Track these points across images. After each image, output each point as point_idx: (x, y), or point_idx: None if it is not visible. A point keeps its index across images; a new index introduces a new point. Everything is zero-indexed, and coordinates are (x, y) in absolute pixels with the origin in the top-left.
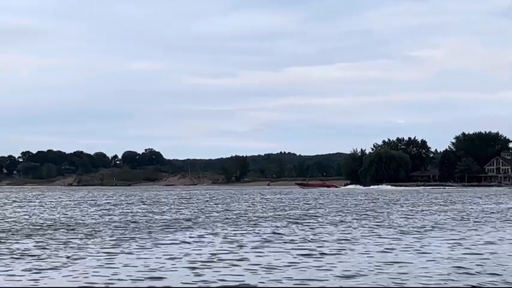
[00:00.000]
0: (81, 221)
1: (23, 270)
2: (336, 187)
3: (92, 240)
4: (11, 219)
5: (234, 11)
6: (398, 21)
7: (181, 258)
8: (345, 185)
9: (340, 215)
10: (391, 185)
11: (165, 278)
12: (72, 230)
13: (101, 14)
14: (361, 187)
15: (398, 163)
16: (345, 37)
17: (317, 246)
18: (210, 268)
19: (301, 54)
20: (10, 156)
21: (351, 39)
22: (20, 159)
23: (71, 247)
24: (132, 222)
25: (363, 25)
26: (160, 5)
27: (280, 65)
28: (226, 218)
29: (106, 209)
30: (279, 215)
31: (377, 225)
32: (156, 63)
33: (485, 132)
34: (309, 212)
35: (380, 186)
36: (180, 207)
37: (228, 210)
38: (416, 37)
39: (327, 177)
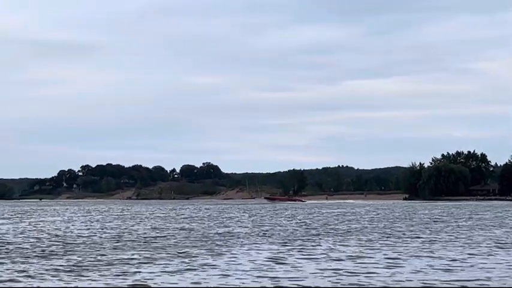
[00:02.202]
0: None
1: None
2: (302, 201)
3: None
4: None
5: (293, 25)
6: (457, 34)
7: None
8: (404, 199)
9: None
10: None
11: None
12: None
13: (160, 28)
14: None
15: (458, 177)
16: (402, 51)
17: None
18: None
19: (359, 68)
20: (70, 170)
21: (408, 53)
22: (80, 173)
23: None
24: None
25: (421, 39)
26: (220, 19)
27: (338, 79)
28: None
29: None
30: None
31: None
32: (214, 77)
33: None
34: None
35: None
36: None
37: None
38: (475, 50)
39: (385, 191)
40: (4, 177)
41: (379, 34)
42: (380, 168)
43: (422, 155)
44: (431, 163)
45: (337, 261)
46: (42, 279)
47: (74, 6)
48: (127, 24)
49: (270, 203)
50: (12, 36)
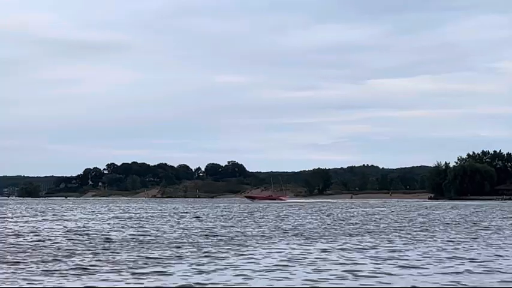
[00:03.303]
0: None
1: None
2: (281, 200)
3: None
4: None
5: (317, 25)
6: (482, 33)
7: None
8: (429, 198)
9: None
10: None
11: None
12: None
13: (182, 28)
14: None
15: (483, 176)
16: (427, 50)
17: None
18: None
19: (384, 67)
20: (95, 168)
21: (433, 52)
22: (105, 171)
23: None
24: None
25: (446, 38)
26: (245, 19)
27: (363, 78)
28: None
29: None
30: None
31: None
32: (239, 77)
33: None
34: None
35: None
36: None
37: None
38: (499, 49)
39: (410, 190)
40: (30, 175)
41: (404, 33)
42: (405, 168)
43: (447, 154)
44: (456, 162)
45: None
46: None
47: (95, 6)
48: (148, 24)
49: (251, 202)
50: (34, 36)
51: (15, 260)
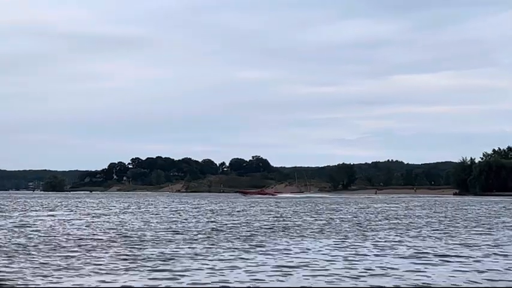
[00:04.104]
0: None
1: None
2: (273, 195)
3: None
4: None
5: (341, 20)
6: (504, 29)
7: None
8: (454, 194)
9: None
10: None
11: None
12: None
13: (208, 23)
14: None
15: (509, 172)
16: (451, 45)
17: None
18: None
19: (407, 63)
20: (120, 163)
21: (457, 48)
22: (130, 166)
23: None
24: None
25: (470, 33)
26: (267, 15)
27: (386, 73)
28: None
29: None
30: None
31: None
32: (263, 72)
33: None
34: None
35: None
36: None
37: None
38: None
39: (435, 186)
40: (55, 169)
41: (428, 29)
42: (430, 163)
43: (473, 150)
44: (482, 158)
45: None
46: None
47: (119, 1)
48: (175, 19)
49: (244, 196)
50: (60, 30)
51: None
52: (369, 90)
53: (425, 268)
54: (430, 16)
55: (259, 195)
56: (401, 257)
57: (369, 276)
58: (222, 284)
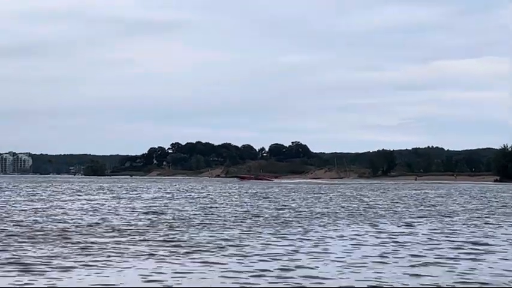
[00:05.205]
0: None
1: None
2: (268, 180)
3: None
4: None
5: (382, 5)
6: None
7: None
8: (494, 181)
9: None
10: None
11: None
12: None
13: (251, 8)
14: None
15: None
16: (494, 30)
17: None
18: None
19: (450, 47)
20: (160, 148)
21: (500, 33)
22: (170, 151)
23: None
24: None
25: None
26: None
27: (428, 58)
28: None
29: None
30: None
31: None
32: (304, 57)
33: None
34: None
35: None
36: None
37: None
38: None
39: (475, 173)
40: (96, 154)
41: (471, 13)
42: (471, 150)
43: None
44: None
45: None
46: None
47: None
48: (220, 4)
49: (242, 182)
50: (99, 15)
51: None
52: (410, 75)
53: None
54: (474, 1)
55: (256, 180)
56: None
57: None
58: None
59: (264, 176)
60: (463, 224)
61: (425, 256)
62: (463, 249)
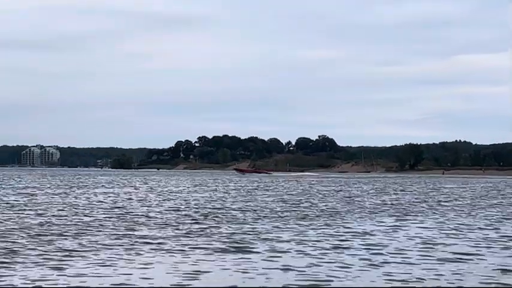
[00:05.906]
0: None
1: None
2: (267, 173)
3: None
4: None
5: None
6: None
7: None
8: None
9: None
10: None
11: None
12: None
13: (274, 2)
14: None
15: None
16: None
17: None
18: None
19: (474, 42)
20: (187, 141)
21: None
22: (197, 144)
23: None
24: None
25: None
26: None
27: (452, 53)
28: None
29: None
30: None
31: None
32: (329, 51)
33: None
34: None
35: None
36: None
37: None
38: None
39: (503, 167)
40: (123, 147)
41: (494, 7)
42: (499, 144)
43: None
44: None
45: None
46: None
47: None
48: None
49: (242, 175)
50: (123, 8)
51: None
52: (436, 69)
53: None
54: None
55: (255, 173)
56: None
57: None
58: None
59: (263, 169)
60: None
61: None
62: None
